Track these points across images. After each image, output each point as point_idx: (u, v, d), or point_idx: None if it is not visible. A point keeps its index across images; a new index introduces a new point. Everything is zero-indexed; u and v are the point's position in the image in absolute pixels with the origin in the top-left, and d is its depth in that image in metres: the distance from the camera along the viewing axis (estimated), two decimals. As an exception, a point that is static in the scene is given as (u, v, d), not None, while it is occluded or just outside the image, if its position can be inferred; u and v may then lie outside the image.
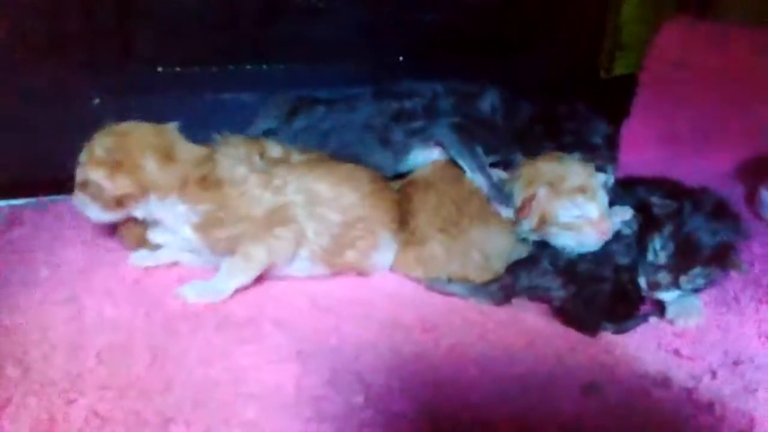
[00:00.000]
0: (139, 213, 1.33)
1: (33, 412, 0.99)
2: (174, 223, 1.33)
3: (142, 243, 1.41)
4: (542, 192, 1.36)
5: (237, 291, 1.32)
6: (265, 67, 1.94)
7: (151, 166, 1.28)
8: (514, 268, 1.36)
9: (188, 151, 1.34)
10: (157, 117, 1.82)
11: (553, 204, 1.35)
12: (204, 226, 1.32)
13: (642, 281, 1.34)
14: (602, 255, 1.35)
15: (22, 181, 1.76)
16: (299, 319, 1.26)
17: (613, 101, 1.72)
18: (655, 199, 1.36)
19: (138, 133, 1.32)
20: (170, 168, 1.29)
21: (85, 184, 1.31)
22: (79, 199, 1.33)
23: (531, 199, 1.37)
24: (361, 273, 1.43)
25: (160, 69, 1.84)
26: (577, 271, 1.33)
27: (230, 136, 1.56)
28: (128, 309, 1.26)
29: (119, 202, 1.30)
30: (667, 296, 1.34)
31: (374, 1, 2.01)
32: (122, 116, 1.80)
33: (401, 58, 2.10)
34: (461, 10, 2.13)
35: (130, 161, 1.28)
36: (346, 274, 1.43)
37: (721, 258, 1.31)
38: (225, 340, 1.17)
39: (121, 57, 1.80)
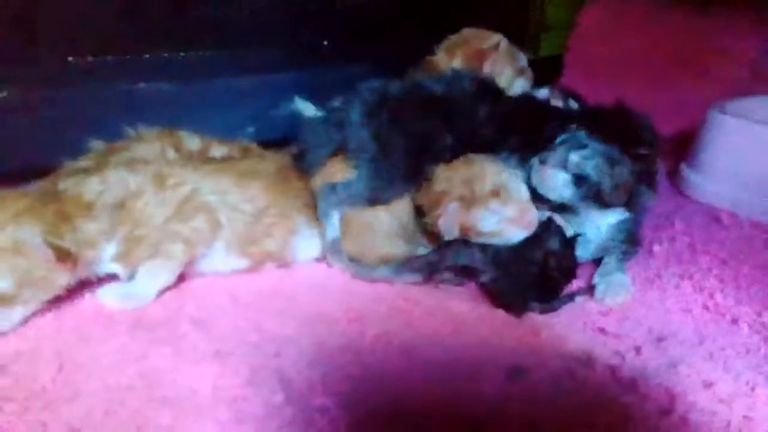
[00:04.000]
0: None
1: (-73, 430, 0.93)
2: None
3: None
4: (452, 207, 1.31)
5: (156, 290, 1.27)
6: (182, 54, 1.86)
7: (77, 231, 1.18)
8: (443, 247, 1.35)
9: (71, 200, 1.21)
10: (69, 109, 1.76)
11: (469, 217, 1.31)
12: (126, 252, 1.25)
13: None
14: (532, 238, 1.34)
15: None
16: (218, 316, 1.21)
17: (540, 82, 1.73)
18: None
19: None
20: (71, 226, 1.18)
21: None
22: None
23: (440, 215, 1.33)
24: (283, 264, 1.40)
25: (70, 59, 1.75)
26: (505, 251, 1.33)
27: (143, 130, 1.51)
28: (37, 314, 1.18)
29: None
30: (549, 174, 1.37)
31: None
32: (32, 109, 1.73)
33: (326, 42, 2.06)
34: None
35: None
36: (268, 267, 1.39)
37: (612, 160, 1.35)
38: (139, 343, 1.12)
39: (28, 46, 1.70)
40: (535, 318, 1.27)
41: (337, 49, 2.05)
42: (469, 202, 1.31)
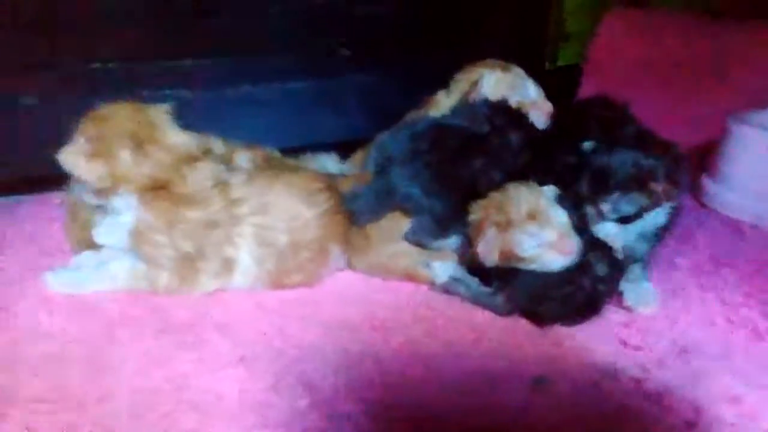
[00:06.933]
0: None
1: (-40, 429, 0.95)
2: (122, 219, 1.27)
3: (87, 244, 1.35)
4: (490, 233, 1.28)
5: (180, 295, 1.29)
6: (205, 61, 1.89)
7: (125, 157, 1.22)
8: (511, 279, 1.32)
9: (171, 141, 1.27)
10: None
11: (507, 241, 1.27)
12: (147, 232, 1.27)
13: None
14: (579, 264, 1.28)
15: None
16: (243, 322, 1.23)
17: (558, 92, 1.72)
18: (586, 144, 1.37)
19: (119, 119, 1.24)
20: (141, 163, 1.23)
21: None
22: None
23: (479, 242, 1.30)
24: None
25: (94, 65, 1.78)
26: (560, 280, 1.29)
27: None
28: (65, 317, 1.22)
29: (100, 192, 1.26)
30: (603, 231, 1.33)
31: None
32: (57, 114, 1.75)
33: (344, 51, 2.07)
34: (404, 1, 2.11)
35: (106, 151, 1.22)
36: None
37: (641, 183, 1.29)
38: (166, 347, 1.14)
39: (54, 54, 1.73)
40: (557, 329, 1.27)
41: (355, 57, 2.06)
42: (506, 226, 1.27)
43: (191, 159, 1.28)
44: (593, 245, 1.31)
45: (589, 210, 1.32)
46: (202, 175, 1.28)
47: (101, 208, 1.29)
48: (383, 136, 1.48)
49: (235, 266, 1.31)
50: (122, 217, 1.26)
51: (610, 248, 1.33)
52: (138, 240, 1.26)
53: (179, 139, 1.27)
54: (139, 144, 1.22)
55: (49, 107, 1.76)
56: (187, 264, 1.28)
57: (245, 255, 1.31)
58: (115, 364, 1.09)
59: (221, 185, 1.31)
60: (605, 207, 1.31)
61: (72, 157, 1.24)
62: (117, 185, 1.23)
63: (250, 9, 1.88)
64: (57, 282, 1.29)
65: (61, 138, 1.74)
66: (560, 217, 1.28)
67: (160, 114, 1.28)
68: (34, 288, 1.30)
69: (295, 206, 1.35)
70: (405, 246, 1.39)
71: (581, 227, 1.31)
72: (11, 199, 1.70)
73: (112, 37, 1.77)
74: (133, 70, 1.80)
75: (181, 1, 1.82)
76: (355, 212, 1.41)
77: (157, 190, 1.25)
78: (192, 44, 1.85)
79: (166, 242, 1.26)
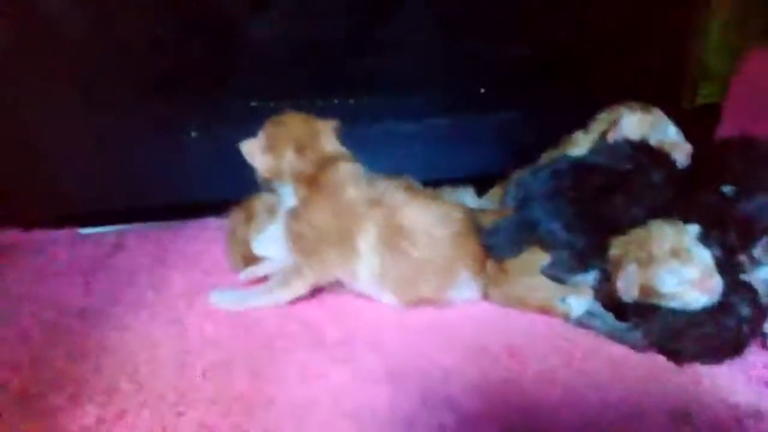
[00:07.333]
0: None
1: (147, 423, 1.08)
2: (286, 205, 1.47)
3: (248, 261, 1.50)
4: (631, 268, 1.30)
5: (330, 314, 1.40)
6: (351, 101, 2.02)
7: (288, 155, 1.43)
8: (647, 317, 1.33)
9: (327, 148, 1.47)
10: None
11: (648, 277, 1.29)
12: (292, 215, 1.44)
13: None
14: (724, 305, 1.28)
15: (126, 208, 1.90)
16: (389, 342, 1.31)
17: (697, 131, 1.71)
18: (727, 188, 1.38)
19: (291, 125, 1.47)
20: (300, 160, 1.43)
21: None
22: None
23: (619, 277, 1.33)
24: (438, 306, 1.45)
25: (253, 103, 1.95)
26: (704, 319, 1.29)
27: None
28: (228, 329, 1.34)
29: (266, 178, 1.49)
30: (758, 277, 1.34)
31: (456, 34, 2.07)
32: (217, 148, 1.94)
33: (482, 90, 2.15)
34: (543, 42, 2.16)
35: (276, 148, 1.44)
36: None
37: None
38: (320, 360, 1.24)
39: (218, 93, 1.92)
40: (696, 367, 1.27)
41: (493, 96, 2.14)
42: (648, 262, 1.29)
43: (337, 160, 1.45)
44: (737, 286, 1.31)
45: (742, 258, 1.34)
46: (342, 170, 1.44)
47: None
48: (523, 174, 1.54)
49: (358, 259, 1.41)
50: (285, 203, 1.47)
51: (755, 290, 1.33)
52: (291, 222, 1.44)
53: (333, 148, 1.47)
54: (300, 147, 1.42)
55: (208, 141, 1.94)
56: (320, 246, 1.41)
57: (370, 252, 1.41)
58: (275, 374, 1.20)
59: (361, 185, 1.44)
60: (756, 253, 1.32)
61: (250, 149, 1.48)
62: (279, 176, 1.46)
63: (395, 51, 2.00)
64: (220, 299, 1.43)
65: (220, 169, 1.93)
66: (703, 255, 1.28)
67: (326, 126, 1.48)
68: (200, 303, 1.43)
69: (427, 222, 1.43)
70: (542, 279, 1.43)
71: (733, 270, 1.32)
72: (176, 223, 1.87)
73: (268, 77, 1.94)
74: (287, 108, 1.95)
75: (332, 43, 1.97)
76: (494, 246, 1.46)
77: (306, 181, 1.43)
78: (340, 84, 2.00)
79: (307, 219, 1.42)
